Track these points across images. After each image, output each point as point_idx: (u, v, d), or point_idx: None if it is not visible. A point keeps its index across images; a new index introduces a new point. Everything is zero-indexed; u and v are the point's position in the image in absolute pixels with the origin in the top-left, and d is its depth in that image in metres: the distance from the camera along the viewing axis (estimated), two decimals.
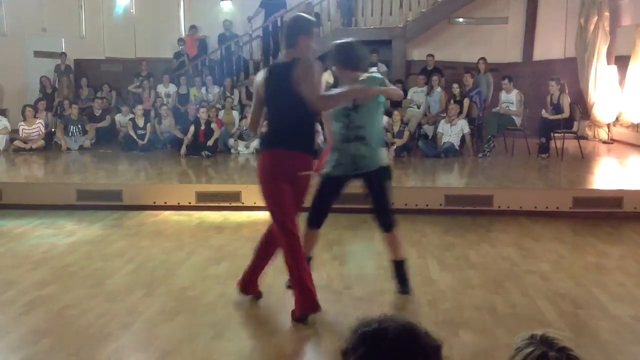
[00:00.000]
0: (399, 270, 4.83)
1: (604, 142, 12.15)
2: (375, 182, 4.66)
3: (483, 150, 10.62)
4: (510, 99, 10.91)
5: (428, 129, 11.30)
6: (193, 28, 14.32)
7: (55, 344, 3.96)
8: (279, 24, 13.34)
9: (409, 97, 12.00)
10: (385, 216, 4.71)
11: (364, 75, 4.62)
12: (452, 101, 10.95)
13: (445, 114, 10.94)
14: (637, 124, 11.92)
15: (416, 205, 7.48)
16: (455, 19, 13.92)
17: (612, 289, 4.94)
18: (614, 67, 12.02)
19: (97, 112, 12.50)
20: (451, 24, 13.94)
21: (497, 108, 11.00)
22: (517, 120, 10.80)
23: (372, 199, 4.70)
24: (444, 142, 10.54)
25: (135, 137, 11.50)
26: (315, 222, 4.76)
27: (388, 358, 1.43)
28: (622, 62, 11.94)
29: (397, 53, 13.09)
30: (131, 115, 11.89)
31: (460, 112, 10.80)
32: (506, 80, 10.98)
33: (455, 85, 11.24)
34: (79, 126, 11.94)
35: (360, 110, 4.55)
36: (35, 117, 11.79)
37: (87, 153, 11.42)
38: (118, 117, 12.34)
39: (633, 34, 11.77)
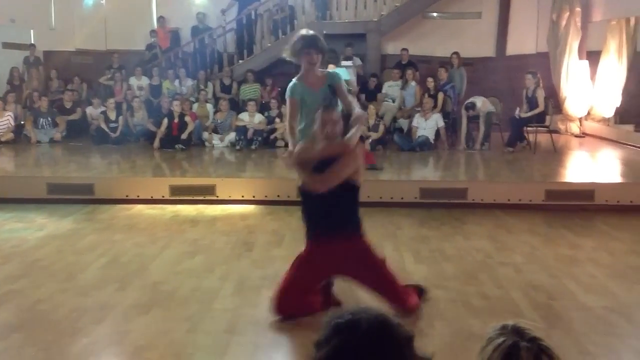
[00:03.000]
0: None
1: (576, 136, 12.29)
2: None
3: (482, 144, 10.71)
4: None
5: (403, 123, 11.33)
6: (161, 19, 14.17)
7: (26, 339, 3.89)
8: (253, 16, 13.28)
9: (384, 91, 12.03)
10: None
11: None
12: (426, 95, 10.99)
13: (420, 108, 10.98)
14: (608, 118, 12.09)
15: (391, 198, 7.50)
16: (430, 13, 13.96)
17: (584, 281, 4.99)
18: (585, 62, 12.17)
19: (68, 105, 12.33)
20: (425, 18, 13.98)
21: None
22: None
23: None
24: (419, 136, 10.58)
25: (107, 130, 11.36)
26: None
27: (361, 349, 1.43)
28: (593, 57, 12.10)
29: (371, 47, 13.10)
30: (103, 108, 11.74)
31: (435, 106, 10.85)
32: (470, 112, 10.72)
33: (429, 80, 11.26)
34: (49, 119, 11.76)
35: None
36: (4, 109, 11.59)
37: (58, 146, 11.26)
38: (89, 110, 12.15)
39: (604, 30, 11.93)
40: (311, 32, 4.76)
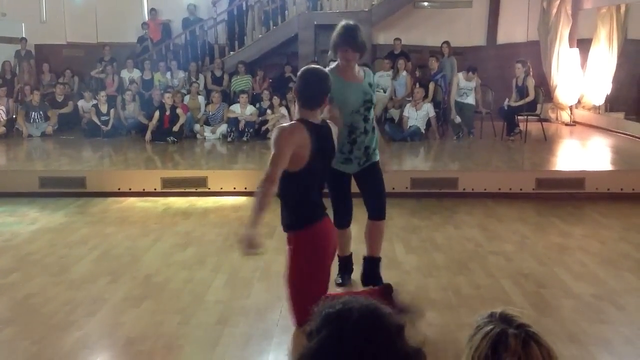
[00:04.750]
0: (376, 268, 4.59)
1: (567, 125, 12.33)
2: (377, 170, 4.47)
3: (457, 134, 10.75)
4: (470, 85, 10.93)
5: (394, 113, 11.32)
6: (153, 11, 14.11)
7: (19, 333, 3.91)
8: (243, 7, 13.24)
9: (375, 80, 12.01)
10: (383, 203, 4.51)
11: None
12: (417, 85, 10.99)
13: (411, 98, 10.98)
14: (599, 106, 12.13)
15: None
16: (420, 2, 13.93)
17: (574, 269, 5.03)
18: (575, 50, 12.19)
19: (59, 98, 12.27)
20: (416, 7, 13.94)
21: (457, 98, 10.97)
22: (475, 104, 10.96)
23: (372, 187, 4.47)
24: (410, 126, 10.58)
25: (98, 123, 11.31)
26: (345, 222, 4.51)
27: (352, 338, 1.44)
28: (583, 45, 12.13)
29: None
30: (94, 101, 11.69)
31: (426, 96, 10.86)
32: (469, 73, 10.88)
33: (417, 70, 11.28)
34: (41, 112, 11.71)
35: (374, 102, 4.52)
36: None
37: (50, 139, 11.22)
38: (81, 103, 12.10)
39: (594, 17, 11.95)
40: (352, 23, 4.38)
